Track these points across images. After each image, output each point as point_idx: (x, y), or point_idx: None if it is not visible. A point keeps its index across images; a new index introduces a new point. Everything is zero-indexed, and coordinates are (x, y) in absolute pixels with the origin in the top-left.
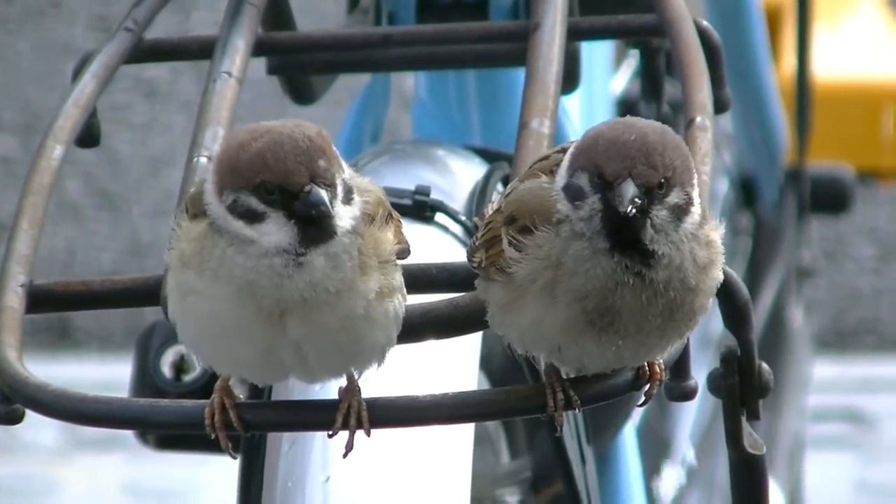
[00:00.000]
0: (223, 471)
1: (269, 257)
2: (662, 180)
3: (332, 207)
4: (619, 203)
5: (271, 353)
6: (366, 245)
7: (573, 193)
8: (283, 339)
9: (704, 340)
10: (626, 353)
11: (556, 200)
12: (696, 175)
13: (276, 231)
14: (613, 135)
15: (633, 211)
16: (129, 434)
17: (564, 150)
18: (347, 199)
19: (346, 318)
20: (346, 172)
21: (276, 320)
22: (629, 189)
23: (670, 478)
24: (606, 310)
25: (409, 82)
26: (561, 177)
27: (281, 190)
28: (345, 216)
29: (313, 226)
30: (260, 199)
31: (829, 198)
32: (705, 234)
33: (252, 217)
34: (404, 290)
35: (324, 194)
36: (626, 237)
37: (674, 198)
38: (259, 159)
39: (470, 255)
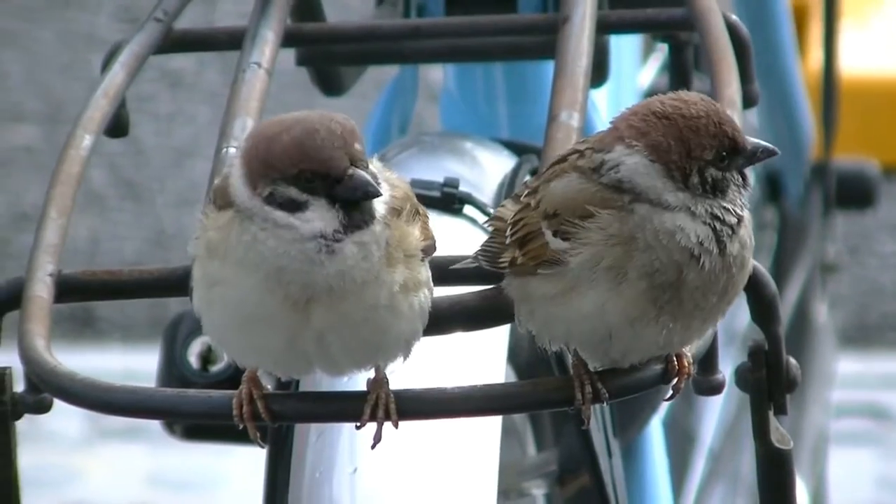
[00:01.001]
0: (245, 462)
1: (303, 242)
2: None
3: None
4: (762, 147)
5: (295, 343)
6: (392, 237)
7: (712, 181)
8: (307, 329)
9: (730, 335)
10: (674, 337)
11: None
12: None
13: (320, 217)
14: (693, 110)
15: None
16: (151, 424)
17: (578, 152)
18: (378, 183)
19: (371, 308)
20: (373, 163)
21: (301, 308)
22: (757, 141)
23: (696, 472)
24: (670, 285)
25: (435, 75)
26: (661, 181)
27: (323, 176)
28: (379, 203)
29: (357, 210)
30: (300, 188)
31: (854, 193)
32: (747, 218)
33: (294, 206)
34: (431, 284)
35: (367, 176)
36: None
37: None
38: (296, 148)
39: (494, 258)
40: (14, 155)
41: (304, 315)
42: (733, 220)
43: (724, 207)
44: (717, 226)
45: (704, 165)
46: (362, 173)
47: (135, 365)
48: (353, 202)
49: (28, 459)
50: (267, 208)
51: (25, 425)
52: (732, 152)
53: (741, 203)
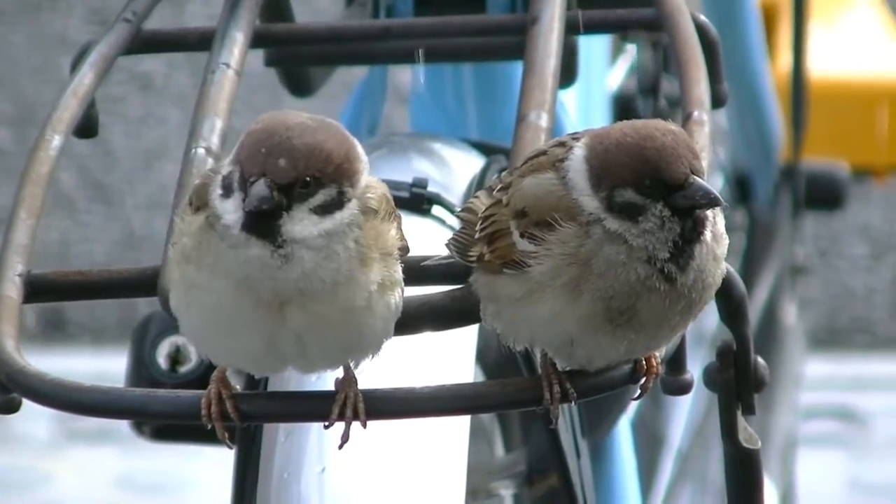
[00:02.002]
0: (216, 464)
1: (252, 248)
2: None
3: (282, 210)
4: (706, 200)
5: (273, 344)
6: (366, 237)
7: (626, 210)
8: (284, 330)
9: (699, 335)
10: (637, 347)
11: (595, 216)
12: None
13: (230, 209)
14: (651, 140)
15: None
16: (121, 426)
17: (563, 145)
18: (326, 210)
19: (347, 309)
20: (354, 178)
21: (275, 311)
22: (705, 184)
23: (665, 472)
24: (628, 308)
25: (404, 76)
26: (587, 195)
27: (241, 175)
28: (306, 223)
29: (255, 217)
30: (237, 178)
31: (823, 195)
32: (718, 229)
33: (226, 192)
34: (402, 283)
35: (263, 192)
36: (695, 235)
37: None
38: (247, 139)
39: (464, 250)
40: None
41: (280, 317)
42: (664, 255)
43: (657, 239)
44: (661, 264)
45: (619, 184)
46: (259, 187)
47: (105, 367)
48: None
49: None
50: (218, 186)
51: None
52: (658, 184)
53: (662, 235)
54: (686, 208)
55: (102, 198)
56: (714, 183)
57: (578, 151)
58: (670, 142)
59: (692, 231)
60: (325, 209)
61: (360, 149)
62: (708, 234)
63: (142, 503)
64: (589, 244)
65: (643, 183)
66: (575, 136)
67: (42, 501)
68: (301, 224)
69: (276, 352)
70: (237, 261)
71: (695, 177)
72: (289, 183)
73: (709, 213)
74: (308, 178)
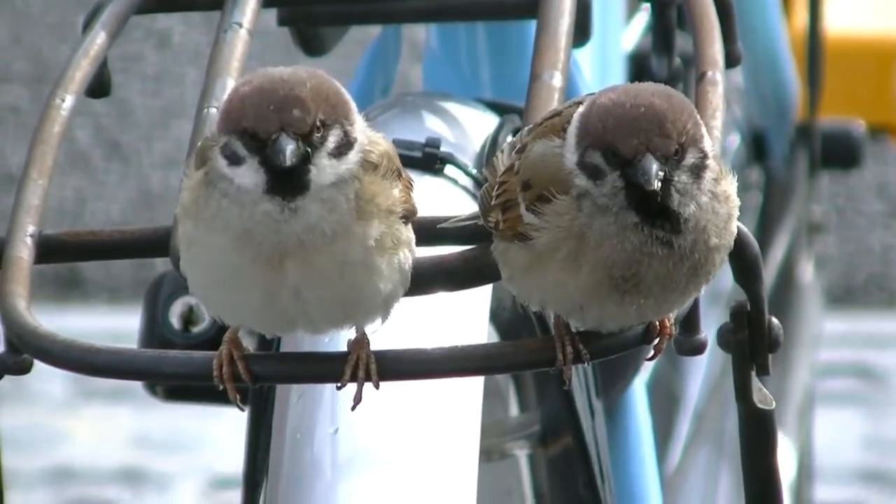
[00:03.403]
0: (231, 422)
1: (263, 204)
2: (678, 147)
3: (310, 160)
4: (644, 181)
5: (273, 300)
6: (364, 191)
7: (590, 171)
8: (283, 286)
9: (714, 295)
10: (648, 311)
11: (572, 173)
12: (705, 129)
13: (248, 175)
14: (621, 109)
15: (658, 185)
16: (137, 385)
17: (579, 104)
18: (340, 152)
19: (343, 262)
20: (354, 122)
21: (275, 265)
22: (651, 164)
23: (681, 432)
24: (632, 276)
25: (420, 34)
26: (571, 152)
27: (252, 136)
28: (328, 169)
29: (282, 175)
30: (244, 144)
31: (839, 153)
32: (723, 190)
33: (234, 160)
34: (413, 245)
35: (289, 144)
36: (653, 208)
37: (690, 158)
38: (241, 104)
39: (485, 214)
40: (1, 115)
41: (280, 272)
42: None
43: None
44: (650, 229)
45: (590, 145)
46: (283, 141)
47: (121, 325)
48: (275, 166)
49: (13, 420)
50: (219, 158)
51: (10, 386)
52: (616, 153)
53: (616, 202)
54: (635, 183)
55: (119, 156)
56: (729, 141)
57: (580, 109)
58: (636, 114)
59: (644, 203)
60: (339, 151)
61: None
62: (697, 201)
63: (157, 461)
64: (581, 217)
65: (608, 150)
66: (591, 94)
67: (58, 459)
68: (325, 171)
69: (277, 309)
70: (241, 217)
71: (646, 155)
72: (307, 131)
73: (708, 174)
74: (319, 123)
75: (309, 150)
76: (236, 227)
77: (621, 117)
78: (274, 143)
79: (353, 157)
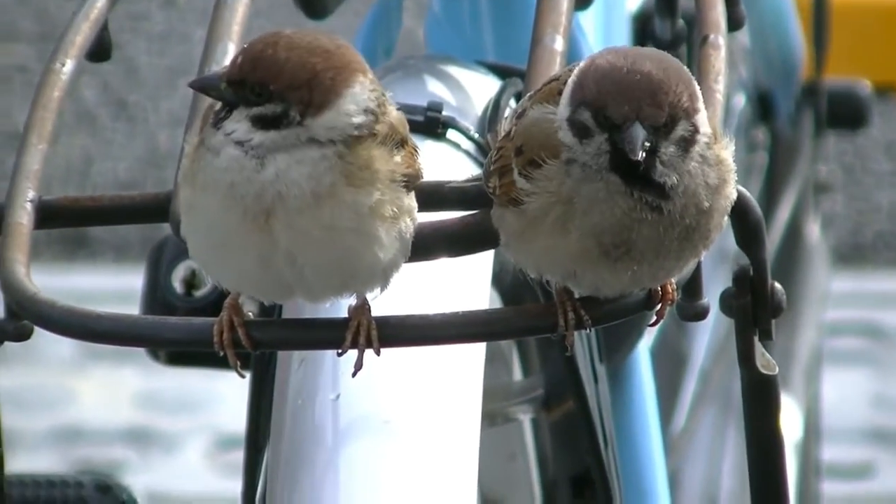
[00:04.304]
0: (238, 383)
1: (228, 149)
2: (668, 118)
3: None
4: (630, 149)
5: (268, 264)
6: (356, 157)
7: (578, 128)
8: (276, 251)
9: (722, 255)
10: (643, 277)
11: (560, 128)
12: (700, 99)
13: (234, 124)
14: (617, 73)
15: (643, 155)
16: None
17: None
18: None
19: (331, 227)
20: (367, 86)
21: (263, 225)
22: (638, 133)
23: (687, 393)
24: (622, 242)
25: None
26: (564, 107)
27: (240, 88)
28: (340, 120)
29: (270, 127)
30: (230, 95)
31: (846, 113)
32: (715, 155)
33: (225, 112)
34: (415, 213)
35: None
36: (635, 175)
37: (679, 131)
38: (234, 59)
39: (486, 179)
40: (7, 74)
41: (269, 234)
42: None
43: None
44: (639, 194)
45: (582, 104)
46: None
47: (128, 285)
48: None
49: (20, 381)
50: (211, 115)
51: (18, 347)
52: (606, 117)
53: (598, 161)
54: (619, 148)
55: (125, 115)
56: (734, 102)
57: (579, 66)
58: (631, 81)
59: (626, 169)
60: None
61: None
62: (680, 170)
63: (165, 422)
64: (569, 183)
65: (600, 112)
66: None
67: (65, 420)
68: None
69: (272, 274)
70: (219, 167)
71: (634, 122)
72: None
73: (701, 139)
74: (300, 84)
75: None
76: (220, 182)
77: (616, 81)
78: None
79: (330, 116)
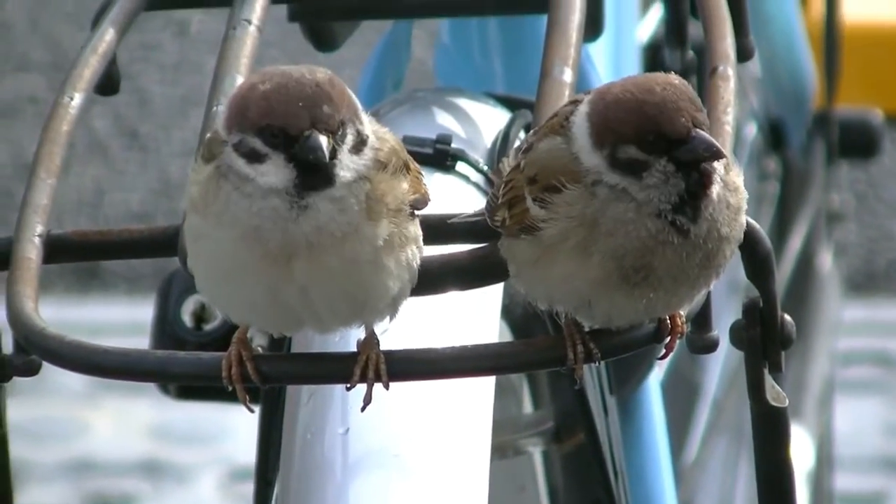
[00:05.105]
0: (250, 415)
1: (271, 199)
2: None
3: (336, 155)
4: (712, 152)
5: (279, 297)
6: (374, 191)
7: (627, 167)
8: (290, 283)
9: (732, 287)
10: (657, 305)
11: (595, 171)
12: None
13: (274, 172)
14: (652, 96)
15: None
16: None
17: (574, 103)
18: (357, 149)
19: (352, 261)
20: (363, 121)
21: (282, 264)
22: (708, 137)
23: (700, 423)
24: (643, 266)
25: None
26: (590, 153)
27: (283, 133)
28: (349, 165)
29: (311, 171)
30: (264, 140)
31: (857, 142)
32: (732, 181)
33: (254, 157)
34: (421, 242)
35: (323, 140)
36: (701, 188)
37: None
38: (265, 102)
39: (491, 214)
40: (19, 105)
41: (287, 269)
42: (669, 207)
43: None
44: (671, 216)
45: (621, 141)
46: (317, 137)
47: (141, 317)
48: (306, 163)
49: (32, 413)
50: (233, 155)
51: (30, 379)
52: (660, 138)
53: (666, 190)
54: (690, 161)
55: (138, 145)
56: (746, 131)
57: (582, 108)
58: (671, 95)
59: (698, 184)
60: (356, 148)
61: None
62: (717, 186)
63: (177, 453)
64: (595, 204)
65: (646, 139)
66: (586, 93)
67: (78, 452)
68: (347, 167)
69: (282, 306)
70: (249, 211)
71: (697, 129)
72: (336, 128)
73: (718, 164)
74: (343, 120)
75: (335, 146)
76: (245, 223)
77: (659, 102)
78: (307, 140)
79: (367, 153)
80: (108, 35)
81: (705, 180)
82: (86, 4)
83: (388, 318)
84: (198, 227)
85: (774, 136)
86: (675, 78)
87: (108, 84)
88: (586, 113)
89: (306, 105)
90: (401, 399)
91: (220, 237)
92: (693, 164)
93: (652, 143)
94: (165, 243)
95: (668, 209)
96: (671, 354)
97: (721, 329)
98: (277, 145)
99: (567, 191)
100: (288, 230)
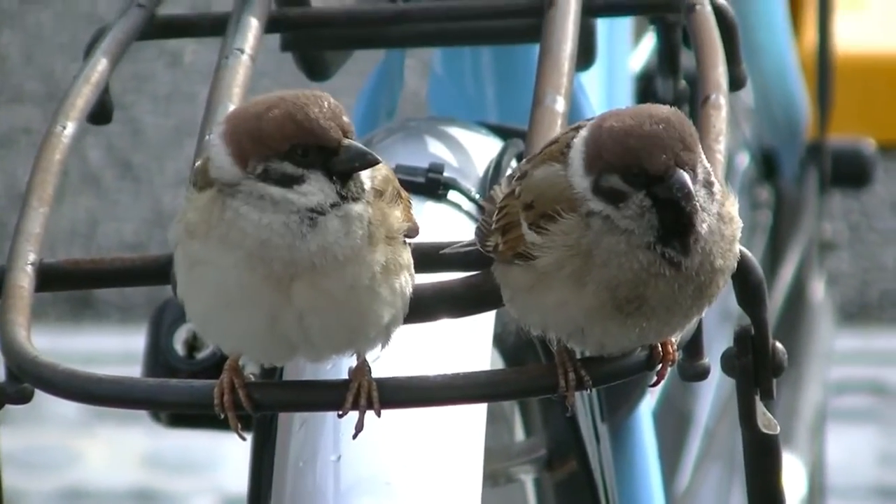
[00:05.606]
0: (243, 443)
1: (287, 215)
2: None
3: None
4: (685, 194)
5: (276, 324)
6: (375, 217)
7: (608, 195)
8: (288, 309)
9: (724, 315)
10: (650, 334)
11: (585, 199)
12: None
13: (318, 190)
14: (639, 129)
15: (697, 198)
16: None
17: (576, 129)
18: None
19: (351, 287)
20: None
21: (284, 287)
22: (684, 178)
23: (691, 451)
24: (636, 297)
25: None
26: (580, 176)
27: (319, 149)
28: (368, 182)
29: (351, 181)
30: (294, 162)
31: (850, 172)
32: (727, 211)
33: (289, 181)
34: (412, 268)
35: (361, 145)
36: (681, 225)
37: (701, 174)
38: (289, 123)
39: (483, 240)
40: (13, 136)
41: (286, 294)
42: (649, 239)
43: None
44: (662, 249)
45: (606, 169)
46: (357, 143)
47: (134, 346)
48: (348, 174)
49: (25, 442)
50: (261, 185)
51: (23, 407)
52: (641, 173)
53: (642, 223)
54: (666, 199)
55: (130, 176)
56: (738, 160)
57: (582, 133)
58: (659, 131)
59: (676, 221)
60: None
61: None
62: (709, 219)
63: (170, 482)
64: (589, 235)
65: (630, 171)
66: (589, 120)
67: (71, 481)
68: (366, 182)
69: (279, 334)
70: (259, 224)
71: (676, 169)
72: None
73: (716, 195)
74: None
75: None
76: (252, 238)
77: (644, 136)
78: (347, 150)
79: (367, 182)
80: (100, 65)
81: (685, 218)
82: (80, 37)
83: (380, 345)
84: (195, 253)
85: (767, 165)
86: (674, 113)
87: (100, 113)
88: (584, 138)
89: (332, 117)
90: (393, 427)
91: (221, 261)
92: (668, 202)
93: (635, 175)
94: (158, 272)
95: (654, 241)
96: (663, 382)
97: (713, 357)
98: (312, 163)
99: (563, 220)
100: (294, 247)
